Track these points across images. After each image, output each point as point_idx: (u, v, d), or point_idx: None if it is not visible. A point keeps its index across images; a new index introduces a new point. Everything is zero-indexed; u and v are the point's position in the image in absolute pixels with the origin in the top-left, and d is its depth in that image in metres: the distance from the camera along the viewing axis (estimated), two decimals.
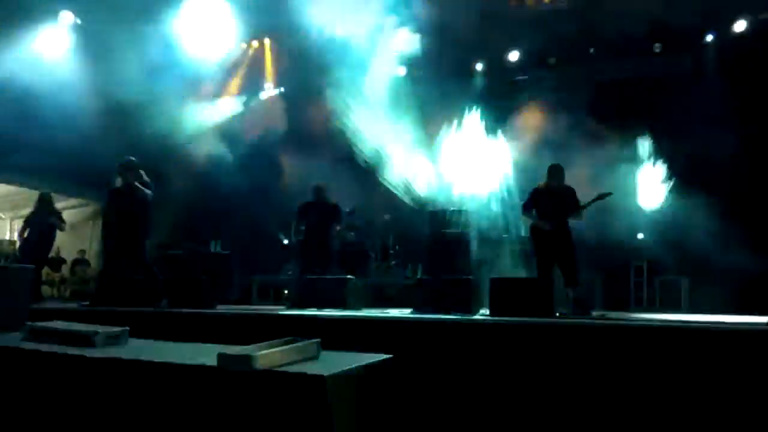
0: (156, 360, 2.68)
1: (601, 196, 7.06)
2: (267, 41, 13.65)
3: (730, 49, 10.60)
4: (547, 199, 7.13)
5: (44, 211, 8.79)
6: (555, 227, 6.96)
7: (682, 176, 10.34)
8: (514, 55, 12.27)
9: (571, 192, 7.15)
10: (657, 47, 11.29)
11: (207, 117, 13.85)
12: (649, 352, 4.11)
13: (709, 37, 11.00)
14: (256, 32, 13.34)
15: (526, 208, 7.30)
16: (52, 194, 9.14)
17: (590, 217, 7.53)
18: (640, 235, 10.81)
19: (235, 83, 14.06)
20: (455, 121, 12.37)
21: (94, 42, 11.23)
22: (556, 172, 7.22)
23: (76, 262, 13.25)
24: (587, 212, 7.18)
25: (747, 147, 9.86)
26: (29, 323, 3.39)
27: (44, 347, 3.02)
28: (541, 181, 7.39)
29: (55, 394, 2.84)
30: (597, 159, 10.54)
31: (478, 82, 12.61)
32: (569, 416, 4.13)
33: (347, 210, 8.32)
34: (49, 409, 2.85)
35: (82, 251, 13.50)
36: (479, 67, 12.62)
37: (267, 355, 2.46)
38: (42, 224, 8.66)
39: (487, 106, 11.93)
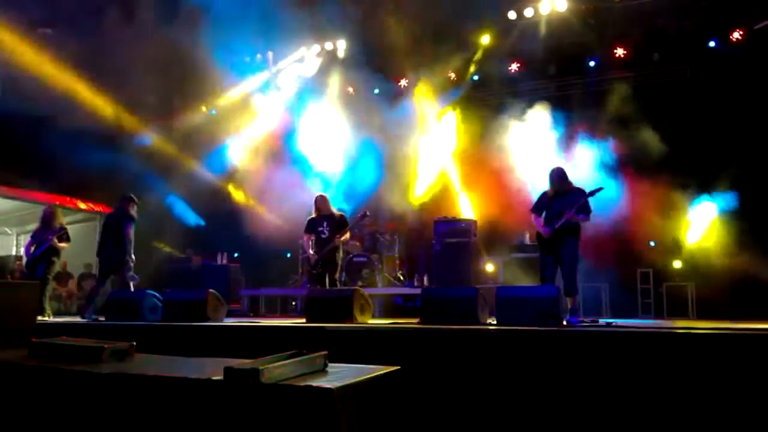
0: (162, 374, 2.66)
1: (592, 192, 6.93)
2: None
3: (728, 57, 10.62)
4: (553, 204, 7.03)
5: (47, 227, 8.80)
6: (557, 233, 6.82)
7: (687, 183, 10.32)
8: (513, 65, 12.29)
9: (579, 192, 6.96)
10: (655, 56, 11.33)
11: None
12: (657, 359, 4.08)
13: (711, 43, 10.99)
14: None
15: (534, 212, 7.22)
16: (57, 209, 9.14)
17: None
18: (652, 243, 10.77)
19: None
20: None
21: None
22: (557, 175, 7.16)
23: (83, 277, 13.26)
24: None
25: (752, 154, 9.85)
26: (35, 339, 3.38)
27: (50, 363, 3.01)
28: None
29: (62, 410, 2.83)
30: (602, 168, 10.58)
31: (479, 91, 12.65)
32: (578, 424, 4.09)
33: (360, 215, 8.29)
34: (55, 426, 2.84)
35: (89, 265, 13.51)
36: (476, 78, 12.67)
37: (274, 368, 2.44)
38: (47, 240, 8.67)
39: (488, 114, 11.93)
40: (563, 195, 6.97)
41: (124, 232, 8.32)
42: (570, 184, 7.10)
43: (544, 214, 7.09)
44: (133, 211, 8.57)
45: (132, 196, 8.73)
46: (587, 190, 6.90)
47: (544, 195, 7.21)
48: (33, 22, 10.84)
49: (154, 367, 2.91)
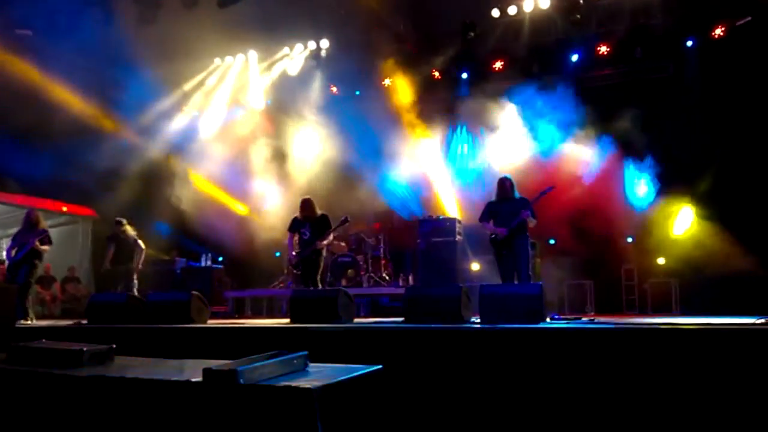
0: (141, 377, 2.65)
1: (543, 193, 7.61)
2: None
3: (710, 54, 10.70)
4: (501, 209, 7.64)
5: (29, 230, 8.72)
6: (510, 236, 7.43)
7: (668, 179, 10.40)
8: (497, 63, 12.30)
9: (524, 202, 7.59)
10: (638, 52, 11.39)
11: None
12: (640, 354, 4.11)
13: (689, 43, 11.06)
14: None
15: (482, 220, 7.81)
16: (39, 213, 9.05)
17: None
18: (629, 239, 10.86)
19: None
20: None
21: None
22: (504, 184, 7.72)
23: (66, 280, 13.16)
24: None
25: (731, 149, 9.95)
26: (14, 343, 3.35)
27: (29, 367, 2.99)
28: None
29: (41, 413, 2.81)
30: (581, 164, 10.66)
31: (463, 89, 12.65)
32: (563, 421, 4.12)
33: (340, 220, 8.32)
34: (36, 429, 2.82)
35: (72, 268, 13.41)
36: (464, 75, 12.67)
37: (252, 369, 2.44)
38: (28, 243, 8.58)
39: (473, 113, 11.95)
40: (509, 201, 7.63)
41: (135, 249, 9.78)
42: (515, 192, 7.74)
43: (491, 221, 7.70)
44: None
45: (119, 219, 9.87)
46: (532, 199, 7.60)
47: (489, 204, 7.84)
48: (10, 24, 10.73)
49: (134, 369, 2.90)
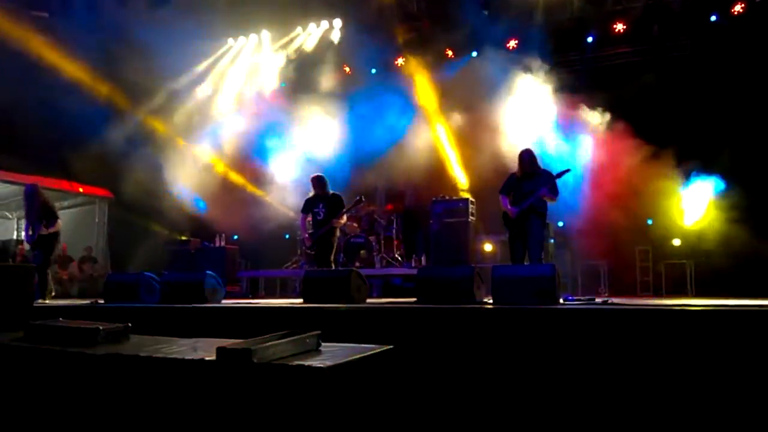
0: (156, 355, 2.68)
1: (559, 174, 7.19)
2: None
3: (729, 31, 10.50)
4: (521, 185, 7.27)
5: (30, 208, 8.62)
6: (524, 213, 7.12)
7: (684, 160, 10.27)
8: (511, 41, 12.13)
9: (546, 174, 7.25)
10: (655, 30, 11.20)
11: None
12: (652, 335, 4.10)
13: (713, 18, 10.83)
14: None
15: (502, 192, 7.44)
16: (35, 187, 8.80)
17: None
18: (649, 221, 10.77)
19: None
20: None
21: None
22: (523, 157, 7.34)
23: (84, 260, 13.31)
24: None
25: (750, 129, 9.80)
26: (31, 321, 3.40)
27: (45, 345, 3.03)
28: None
29: (57, 391, 2.86)
30: (600, 144, 10.53)
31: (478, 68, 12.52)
32: (575, 402, 4.12)
33: (354, 201, 8.32)
34: (50, 406, 2.87)
35: (89, 248, 13.56)
36: (474, 54, 12.54)
37: (266, 348, 2.46)
38: (36, 227, 8.54)
39: (485, 92, 11.82)
40: (531, 177, 7.23)
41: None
42: (538, 166, 7.36)
43: (511, 195, 7.35)
44: None
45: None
46: (554, 172, 7.20)
47: (511, 177, 7.45)
48: (26, 5, 10.76)
49: (149, 347, 2.92)
